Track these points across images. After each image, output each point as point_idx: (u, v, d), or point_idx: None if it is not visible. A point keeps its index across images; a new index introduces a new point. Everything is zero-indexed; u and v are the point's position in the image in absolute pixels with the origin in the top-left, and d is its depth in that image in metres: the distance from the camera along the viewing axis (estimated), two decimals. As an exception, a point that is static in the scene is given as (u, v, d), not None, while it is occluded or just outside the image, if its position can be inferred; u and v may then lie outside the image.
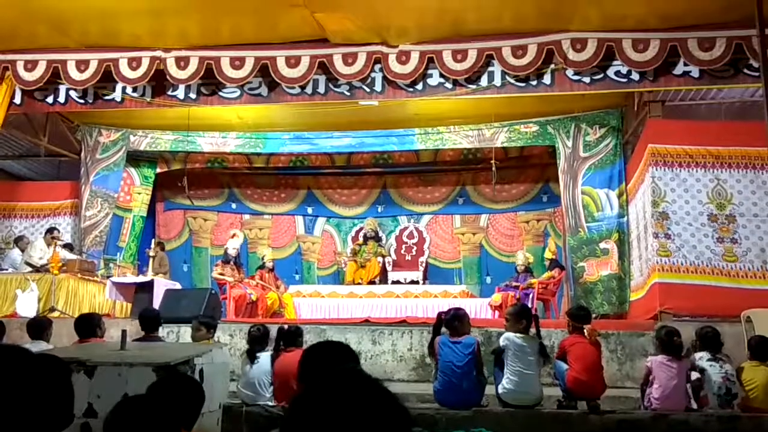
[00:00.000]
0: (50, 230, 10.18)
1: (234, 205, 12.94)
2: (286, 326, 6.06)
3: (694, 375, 5.53)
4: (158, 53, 8.41)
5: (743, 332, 6.55)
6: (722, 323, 6.67)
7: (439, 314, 5.79)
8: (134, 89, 8.87)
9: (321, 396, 1.18)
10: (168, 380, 2.85)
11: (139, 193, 11.88)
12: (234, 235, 10.98)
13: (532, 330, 5.65)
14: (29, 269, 9.62)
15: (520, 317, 5.63)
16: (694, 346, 5.78)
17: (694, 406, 5.49)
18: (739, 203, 7.88)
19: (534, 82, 8.10)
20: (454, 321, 5.62)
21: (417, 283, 11.10)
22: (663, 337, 5.54)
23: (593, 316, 7.48)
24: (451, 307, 5.94)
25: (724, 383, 5.38)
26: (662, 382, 5.39)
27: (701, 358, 5.56)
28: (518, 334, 5.59)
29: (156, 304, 8.45)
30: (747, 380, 5.45)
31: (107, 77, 8.58)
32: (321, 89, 8.51)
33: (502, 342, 5.60)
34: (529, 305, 9.54)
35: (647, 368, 5.58)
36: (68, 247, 10.29)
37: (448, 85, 8.23)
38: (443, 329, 5.64)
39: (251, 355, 5.86)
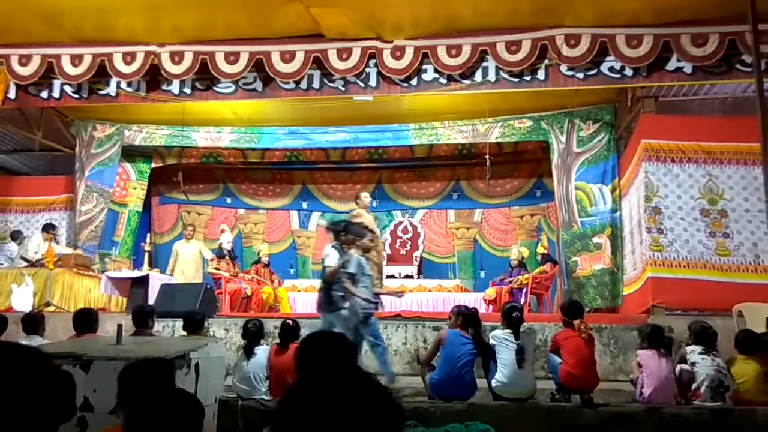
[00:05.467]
0: (48, 226, 10.16)
1: (229, 200, 12.95)
2: (290, 321, 6.10)
3: (682, 368, 5.58)
4: (153, 48, 8.40)
5: (735, 326, 6.60)
6: (714, 317, 6.75)
7: (461, 308, 5.88)
8: (129, 84, 8.87)
9: (312, 389, 1.19)
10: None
11: (135, 188, 11.86)
12: (223, 231, 11.02)
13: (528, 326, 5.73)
14: (24, 264, 9.62)
15: (457, 315, 5.81)
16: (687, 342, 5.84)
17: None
18: (730, 198, 7.93)
19: (528, 78, 8.12)
20: (475, 319, 5.72)
21: (411, 277, 11.13)
22: (651, 334, 5.65)
23: (586, 310, 7.54)
24: (469, 306, 6.09)
25: (717, 376, 5.43)
26: (653, 374, 5.45)
27: (693, 351, 5.62)
28: (504, 330, 5.67)
29: (151, 298, 8.47)
30: (737, 374, 5.51)
31: (102, 72, 8.56)
32: (316, 84, 8.51)
33: (490, 341, 5.68)
34: (522, 300, 9.62)
35: (637, 362, 5.66)
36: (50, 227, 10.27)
37: (443, 81, 8.24)
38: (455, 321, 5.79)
39: (248, 350, 5.89)
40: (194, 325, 6.15)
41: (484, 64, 8.14)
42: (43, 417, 1.52)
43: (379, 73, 8.31)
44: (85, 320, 5.80)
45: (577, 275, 9.46)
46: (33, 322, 6.22)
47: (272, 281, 10.64)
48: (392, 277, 11.13)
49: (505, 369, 5.50)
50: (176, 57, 8.38)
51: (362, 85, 8.43)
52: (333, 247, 6.63)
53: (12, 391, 1.45)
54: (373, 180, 12.76)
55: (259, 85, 8.67)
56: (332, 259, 6.47)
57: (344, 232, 6.66)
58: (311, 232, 12.88)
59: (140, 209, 11.93)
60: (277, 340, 6.04)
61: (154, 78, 8.76)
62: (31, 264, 9.55)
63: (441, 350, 5.65)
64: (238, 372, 5.91)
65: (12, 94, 9.05)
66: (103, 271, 9.86)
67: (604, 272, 9.36)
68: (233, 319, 7.98)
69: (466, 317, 5.74)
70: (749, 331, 5.79)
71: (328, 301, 6.37)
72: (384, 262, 11.53)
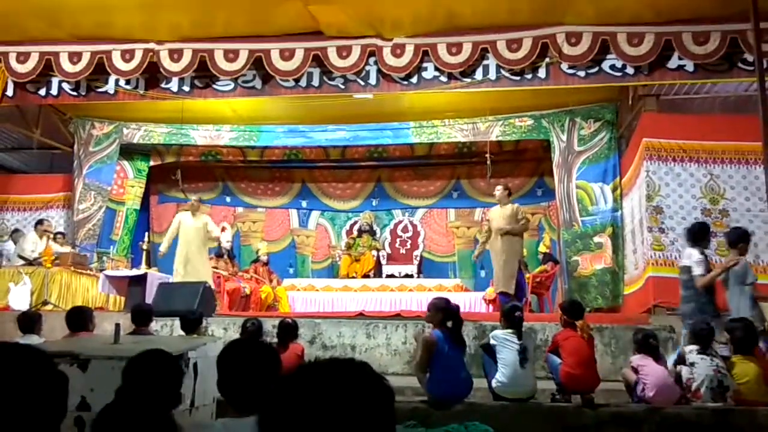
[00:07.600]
0: (39, 222, 10.10)
1: (228, 199, 12.90)
2: (289, 320, 6.06)
3: (682, 368, 5.54)
4: (151, 45, 8.37)
5: (737, 326, 6.56)
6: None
7: (438, 303, 5.74)
8: (127, 82, 8.83)
9: (300, 382, 1.14)
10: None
11: (133, 186, 11.83)
12: (223, 229, 10.97)
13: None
14: (22, 262, 9.57)
15: (437, 310, 5.56)
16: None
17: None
18: (731, 198, 7.91)
19: (529, 76, 8.09)
20: (454, 314, 5.63)
21: (411, 276, 11.11)
22: (640, 340, 5.63)
23: (587, 309, 7.51)
24: (449, 299, 5.92)
25: (716, 376, 5.39)
26: (652, 374, 5.42)
27: (691, 351, 5.58)
28: (505, 330, 5.61)
29: (149, 297, 8.43)
30: (738, 375, 5.46)
31: (100, 69, 8.53)
32: (315, 82, 8.48)
33: (491, 341, 5.61)
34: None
35: (632, 368, 5.62)
36: (60, 235, 10.25)
37: (443, 79, 8.21)
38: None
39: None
40: (191, 324, 6.10)
41: (485, 62, 8.11)
42: (34, 417, 1.48)
43: (379, 71, 8.28)
44: (79, 318, 5.74)
45: (578, 274, 9.43)
46: (29, 320, 6.16)
47: (271, 280, 10.62)
48: (392, 276, 11.11)
49: (505, 369, 5.45)
50: (175, 54, 8.34)
51: (362, 83, 8.40)
52: (702, 253, 6.22)
53: (2, 390, 1.42)
54: (372, 178, 12.72)
55: (258, 83, 8.64)
56: (700, 266, 6.07)
57: (701, 234, 6.35)
58: (311, 231, 12.84)
59: (138, 208, 11.90)
60: (276, 340, 6.00)
61: (152, 76, 8.74)
62: (29, 262, 9.50)
63: (433, 354, 5.54)
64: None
65: (10, 92, 9.02)
66: (101, 270, 9.82)
67: (605, 272, 9.33)
68: (232, 318, 7.95)
69: (445, 312, 5.59)
70: (744, 331, 5.74)
71: (714, 313, 6.01)
72: (384, 261, 11.55)
